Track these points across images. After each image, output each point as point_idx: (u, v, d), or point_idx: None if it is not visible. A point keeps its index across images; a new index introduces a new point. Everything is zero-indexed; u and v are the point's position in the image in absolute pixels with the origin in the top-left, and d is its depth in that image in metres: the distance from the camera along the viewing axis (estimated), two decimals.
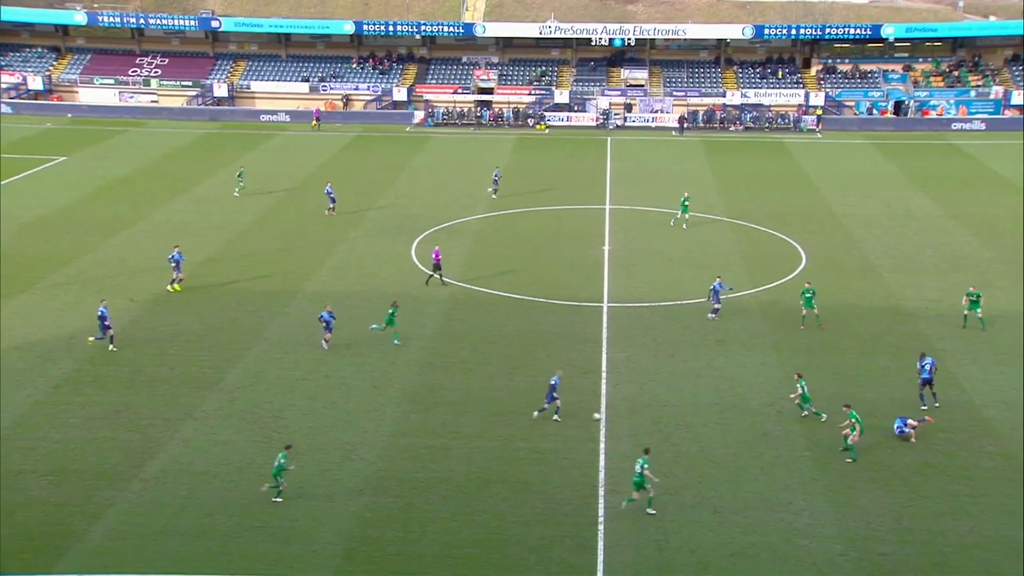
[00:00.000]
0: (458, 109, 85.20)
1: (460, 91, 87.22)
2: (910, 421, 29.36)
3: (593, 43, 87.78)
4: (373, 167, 65.94)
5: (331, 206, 53.39)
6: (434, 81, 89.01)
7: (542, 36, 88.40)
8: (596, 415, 29.35)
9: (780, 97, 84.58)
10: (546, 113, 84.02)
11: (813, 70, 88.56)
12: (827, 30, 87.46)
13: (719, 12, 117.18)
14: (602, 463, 28.02)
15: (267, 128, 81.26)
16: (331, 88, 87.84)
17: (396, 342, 35.91)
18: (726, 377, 33.58)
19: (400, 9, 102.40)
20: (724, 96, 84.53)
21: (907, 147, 74.14)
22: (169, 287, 41.48)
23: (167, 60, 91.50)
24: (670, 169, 66.53)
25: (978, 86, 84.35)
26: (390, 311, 36.21)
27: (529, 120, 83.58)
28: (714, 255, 46.76)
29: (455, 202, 56.93)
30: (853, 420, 28.20)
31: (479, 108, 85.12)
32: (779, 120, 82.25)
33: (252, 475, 27.26)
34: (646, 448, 26.53)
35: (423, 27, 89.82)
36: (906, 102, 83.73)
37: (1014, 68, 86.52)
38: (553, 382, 30.36)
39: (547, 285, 42.75)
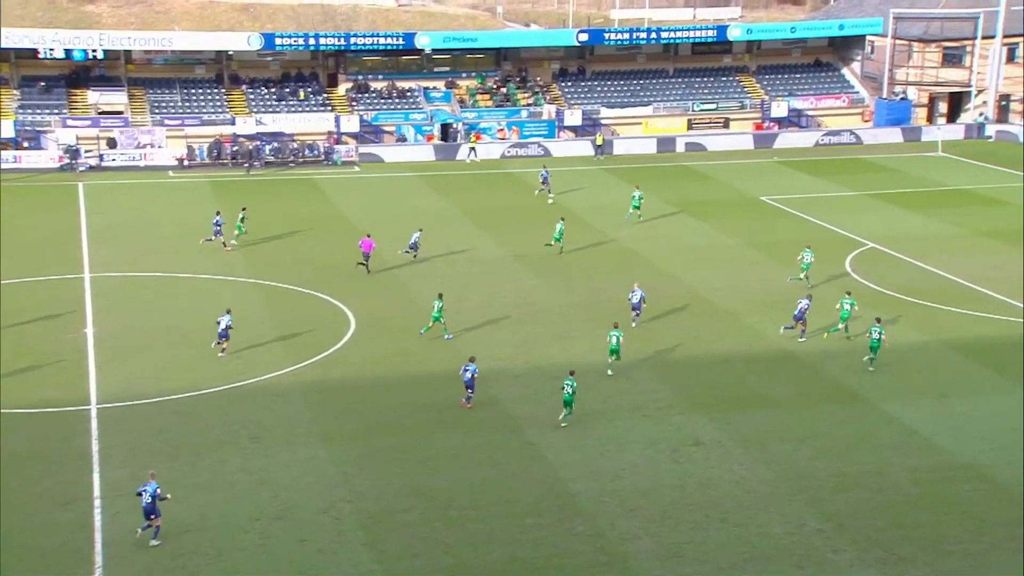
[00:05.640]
0: None
1: None
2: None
3: (42, 55, 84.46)
4: None
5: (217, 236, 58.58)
6: None
7: None
8: None
9: (306, 123, 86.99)
10: None
11: (342, 88, 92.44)
12: (352, 39, 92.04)
13: (214, 16, 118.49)
14: None
15: None
16: None
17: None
18: (267, 482, 33.49)
19: None
20: (233, 123, 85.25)
21: (457, 178, 79.66)
22: None
23: None
24: (171, 219, 65.59)
25: (529, 105, 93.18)
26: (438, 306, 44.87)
27: None
28: (237, 327, 46.61)
29: None
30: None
31: None
32: (307, 152, 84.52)
33: None
34: None
35: None
36: (453, 125, 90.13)
37: (563, 84, 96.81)
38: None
39: (4, 389, 39.95)
